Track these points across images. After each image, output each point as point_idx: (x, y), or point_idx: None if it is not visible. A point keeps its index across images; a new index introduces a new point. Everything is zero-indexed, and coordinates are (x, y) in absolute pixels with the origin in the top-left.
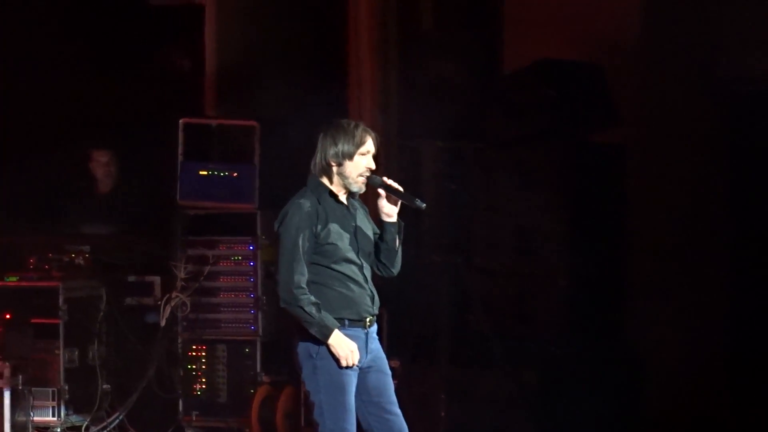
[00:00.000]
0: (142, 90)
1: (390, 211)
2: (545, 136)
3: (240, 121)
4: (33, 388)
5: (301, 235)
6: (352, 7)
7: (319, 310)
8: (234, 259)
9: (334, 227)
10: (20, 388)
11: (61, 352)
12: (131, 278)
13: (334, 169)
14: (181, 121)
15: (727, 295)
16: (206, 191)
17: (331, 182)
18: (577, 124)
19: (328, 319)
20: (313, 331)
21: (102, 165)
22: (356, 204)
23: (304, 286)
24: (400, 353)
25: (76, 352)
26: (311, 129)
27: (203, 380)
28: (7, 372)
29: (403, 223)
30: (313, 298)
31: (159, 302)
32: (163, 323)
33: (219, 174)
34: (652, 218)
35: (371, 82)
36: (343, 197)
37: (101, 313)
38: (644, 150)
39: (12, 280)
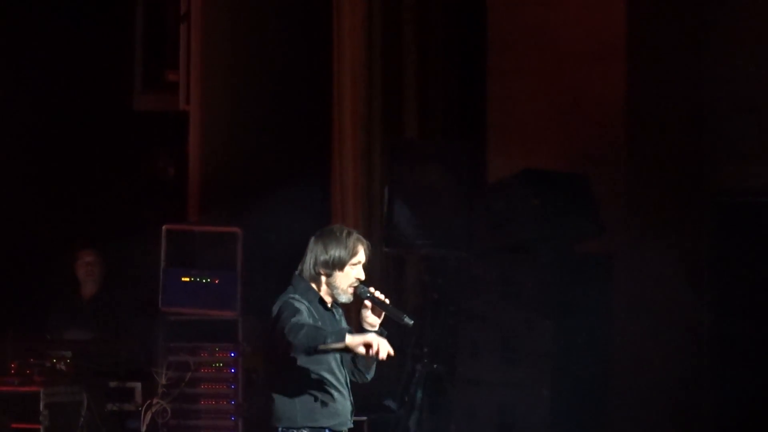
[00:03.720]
0: (126, 195)
1: (373, 322)
2: (530, 245)
3: (223, 227)
4: None
5: (299, 313)
6: (336, 114)
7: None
8: (215, 365)
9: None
10: None
11: None
12: (113, 384)
13: (323, 278)
14: (164, 227)
15: (711, 409)
16: (188, 298)
17: (320, 290)
18: (562, 234)
19: (337, 330)
20: (330, 340)
21: (86, 264)
22: (337, 312)
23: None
24: None
25: None
26: (294, 236)
27: None
28: None
29: (386, 332)
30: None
31: (140, 408)
32: (143, 429)
33: (201, 280)
34: (637, 329)
35: (354, 189)
36: (329, 305)
37: (82, 419)
38: (630, 260)
39: None
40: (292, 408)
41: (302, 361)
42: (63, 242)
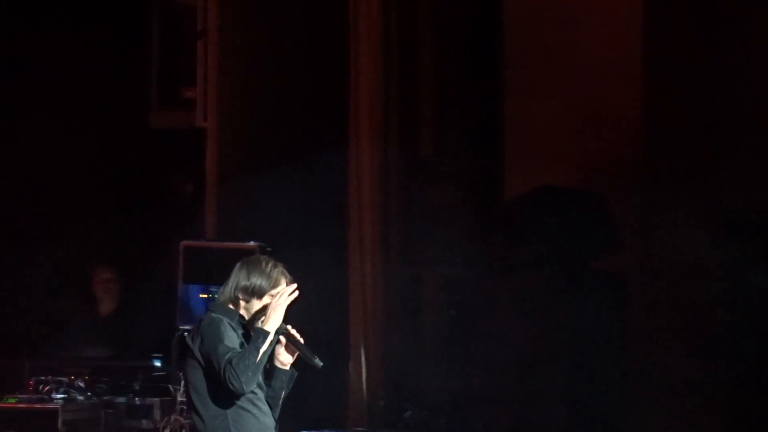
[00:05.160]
0: (144, 212)
1: (285, 360)
2: (546, 263)
3: (240, 244)
4: None
5: (226, 335)
6: (353, 132)
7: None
8: None
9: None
10: None
11: None
12: (131, 401)
13: (242, 302)
14: (181, 243)
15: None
16: None
17: (238, 311)
18: (578, 251)
19: (252, 337)
20: (260, 343)
21: (103, 281)
22: None
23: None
24: None
25: None
26: (311, 252)
27: None
28: None
29: (296, 374)
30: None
31: (158, 425)
32: None
33: None
34: (652, 347)
35: (372, 208)
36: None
37: None
38: (645, 277)
39: (11, 402)
40: (224, 423)
41: None
42: (80, 259)
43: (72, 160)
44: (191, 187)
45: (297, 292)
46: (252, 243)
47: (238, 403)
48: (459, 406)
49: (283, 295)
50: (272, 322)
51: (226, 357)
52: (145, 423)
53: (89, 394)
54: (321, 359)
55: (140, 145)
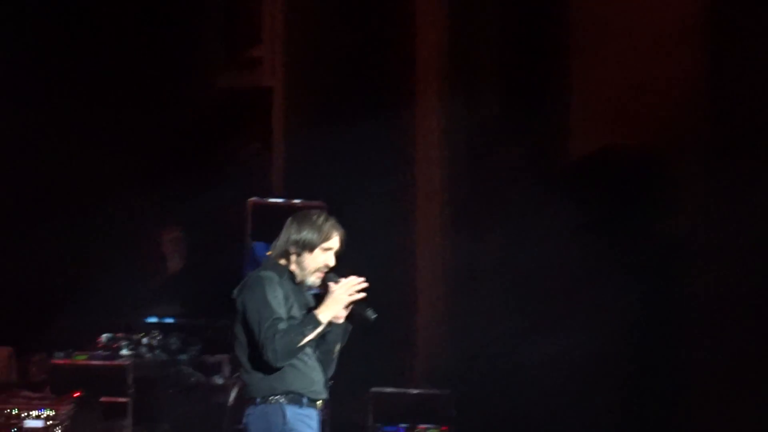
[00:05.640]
0: (211, 171)
1: (339, 314)
2: (611, 224)
3: (307, 201)
4: None
5: (272, 296)
6: (419, 91)
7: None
8: None
9: (294, 306)
10: None
11: (130, 431)
12: (199, 358)
13: (293, 257)
14: (249, 201)
15: None
16: None
17: (289, 267)
18: (642, 213)
19: (303, 316)
20: (308, 331)
21: (171, 241)
22: (308, 295)
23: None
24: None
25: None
26: (376, 212)
27: None
28: None
29: (350, 327)
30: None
31: (227, 381)
32: (231, 402)
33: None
34: (717, 307)
35: (438, 168)
36: (298, 282)
37: (169, 392)
38: (709, 239)
39: (81, 359)
40: (269, 378)
41: None
42: (149, 219)
43: (140, 120)
44: (258, 145)
45: (363, 288)
46: (318, 201)
47: None
48: (520, 366)
49: (347, 287)
50: (327, 313)
51: (270, 327)
52: (214, 379)
53: (158, 351)
54: (382, 317)
55: (207, 104)
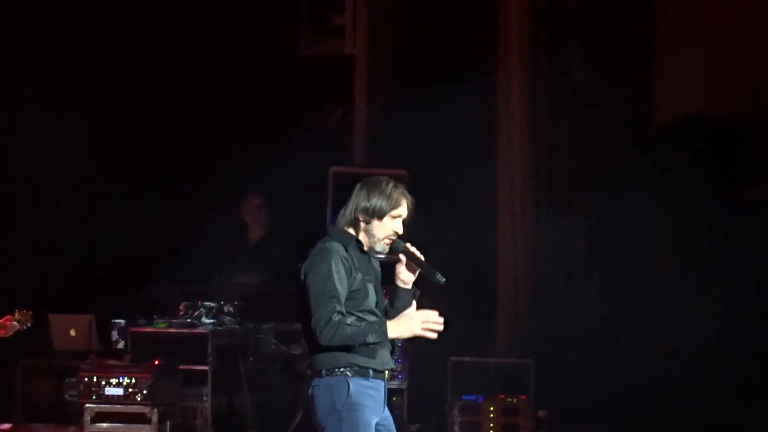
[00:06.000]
0: (293, 138)
1: (407, 279)
2: (696, 191)
3: (389, 170)
4: None
5: (336, 277)
6: (502, 59)
7: (360, 320)
8: None
9: (360, 276)
10: None
11: (209, 399)
12: (279, 326)
13: (362, 225)
14: (331, 170)
15: None
16: None
17: (357, 235)
18: (727, 179)
19: (375, 321)
20: (371, 338)
21: (253, 208)
22: (375, 262)
23: (341, 312)
24: (548, 404)
25: (224, 400)
26: (460, 177)
27: None
28: (155, 418)
29: (418, 292)
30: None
31: (307, 350)
32: (310, 372)
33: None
34: None
35: (521, 136)
36: (366, 250)
37: (249, 360)
38: None
39: (161, 327)
40: (334, 351)
41: (346, 305)
42: (231, 186)
43: (224, 89)
44: (340, 113)
45: (441, 326)
46: (401, 169)
47: None
48: (606, 335)
49: (426, 318)
50: (397, 331)
51: (326, 306)
52: (293, 348)
53: (239, 319)
54: (467, 286)
55: (290, 72)
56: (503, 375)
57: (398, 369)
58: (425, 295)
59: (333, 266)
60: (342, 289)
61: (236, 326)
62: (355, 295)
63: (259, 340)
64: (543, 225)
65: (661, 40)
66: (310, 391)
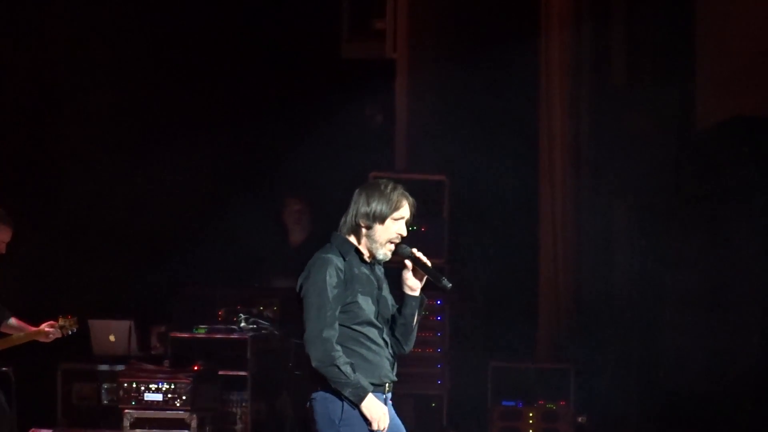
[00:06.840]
0: (334, 143)
1: (414, 285)
2: (739, 192)
3: (430, 175)
4: None
5: (330, 289)
6: (543, 61)
7: (353, 369)
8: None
9: (358, 287)
10: None
11: (249, 404)
12: None
13: (363, 230)
14: (371, 174)
15: None
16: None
17: (359, 243)
18: None
19: (363, 380)
20: (347, 392)
21: (294, 213)
22: (379, 270)
23: (336, 343)
24: (589, 409)
25: (264, 405)
26: (500, 183)
27: None
28: (194, 423)
29: (426, 299)
30: (345, 357)
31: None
32: None
33: (409, 228)
34: None
35: (562, 136)
36: (367, 259)
37: (289, 365)
38: None
39: (201, 332)
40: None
41: (340, 319)
42: (272, 190)
43: (266, 93)
44: (381, 117)
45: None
46: (441, 174)
47: (345, 344)
48: (648, 339)
49: (381, 422)
50: (367, 408)
51: (319, 321)
52: None
53: (278, 324)
54: (507, 290)
55: (331, 75)
56: (543, 380)
57: (438, 374)
58: (466, 301)
59: (327, 278)
60: (335, 303)
61: (275, 331)
62: (349, 308)
63: (299, 345)
64: (585, 229)
65: (705, 40)
66: (308, 403)
